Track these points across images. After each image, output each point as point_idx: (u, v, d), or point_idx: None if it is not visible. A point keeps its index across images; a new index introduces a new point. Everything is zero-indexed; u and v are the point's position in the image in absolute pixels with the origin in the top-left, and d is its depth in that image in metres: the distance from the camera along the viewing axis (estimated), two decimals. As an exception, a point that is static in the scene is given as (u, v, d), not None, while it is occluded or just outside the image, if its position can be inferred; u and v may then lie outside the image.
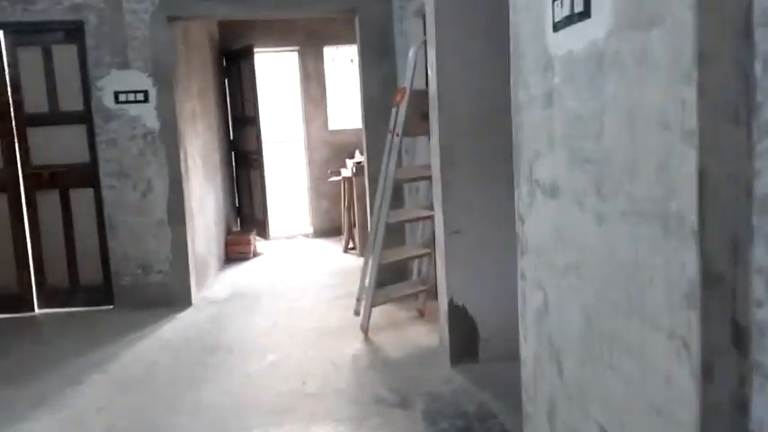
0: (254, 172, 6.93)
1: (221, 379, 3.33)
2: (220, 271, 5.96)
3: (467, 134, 3.23)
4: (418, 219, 3.85)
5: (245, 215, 7.32)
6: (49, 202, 4.66)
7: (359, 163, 6.41)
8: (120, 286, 4.69)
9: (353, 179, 6.31)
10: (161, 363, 3.60)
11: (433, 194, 3.46)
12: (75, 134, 4.61)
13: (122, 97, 4.53)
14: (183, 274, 4.72)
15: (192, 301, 4.74)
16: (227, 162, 7.04)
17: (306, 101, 7.38)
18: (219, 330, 4.12)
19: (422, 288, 4.05)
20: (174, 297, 4.70)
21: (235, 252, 6.47)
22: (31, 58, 4.51)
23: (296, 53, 7.39)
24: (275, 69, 9.05)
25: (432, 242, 3.87)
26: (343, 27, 7.06)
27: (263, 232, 6.89)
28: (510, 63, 2.05)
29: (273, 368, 3.45)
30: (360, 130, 7.42)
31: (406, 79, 3.65)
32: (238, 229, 7.28)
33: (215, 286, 5.36)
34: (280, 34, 7.19)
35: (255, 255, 6.62)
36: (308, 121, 7.41)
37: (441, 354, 3.46)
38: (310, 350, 3.68)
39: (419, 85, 3.89)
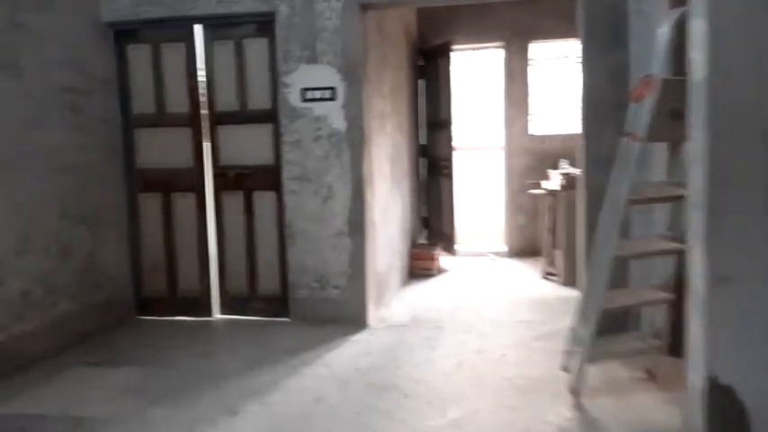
0: (444, 180, 6.32)
1: (391, 435, 2.70)
2: (401, 287, 5.42)
3: (751, 141, 2.22)
4: (659, 253, 2.88)
5: (432, 227, 6.74)
6: (234, 204, 4.45)
7: (566, 174, 5.48)
8: (296, 299, 4.33)
9: (559, 193, 5.39)
10: (325, 400, 3.07)
11: (686, 223, 2.50)
12: (261, 134, 4.35)
13: (309, 95, 4.16)
14: (360, 291, 4.22)
15: (369, 323, 4.23)
16: (416, 168, 6.52)
17: (507, 103, 6.60)
18: (395, 365, 3.51)
19: (655, 344, 3.06)
20: (350, 316, 4.23)
21: (418, 267, 5.90)
22: (224, 53, 4.33)
23: (501, 50, 6.64)
24: (474, 68, 8.33)
25: (674, 286, 2.88)
26: (555, 20, 6.18)
27: (450, 247, 6.25)
28: None
29: (454, 430, 2.73)
30: (566, 136, 6.48)
31: (655, 65, 2.71)
32: (424, 241, 6.72)
33: (394, 305, 4.81)
34: (482, 29, 6.51)
35: (440, 272, 6.00)
36: (508, 125, 6.62)
37: (687, 445, 2.48)
38: (502, 410, 2.90)
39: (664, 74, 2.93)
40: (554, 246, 5.69)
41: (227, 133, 4.39)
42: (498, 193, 7.08)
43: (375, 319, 4.35)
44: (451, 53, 6.02)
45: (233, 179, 4.41)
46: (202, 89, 4.39)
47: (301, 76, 4.15)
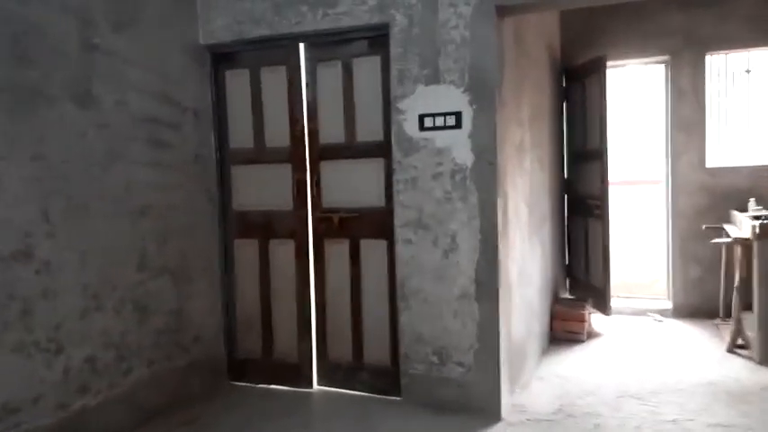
0: (594, 223, 5.21)
1: None
2: (541, 358, 4.38)
3: None
4: None
5: (577, 279, 5.62)
6: (337, 254, 3.73)
7: (763, 218, 4.21)
8: (410, 375, 3.47)
9: (754, 243, 4.12)
10: None
11: None
12: (370, 171, 3.60)
13: (428, 122, 3.35)
14: (490, 372, 3.28)
15: (501, 413, 3.26)
16: (558, 209, 5.47)
17: (674, 128, 5.38)
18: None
19: None
20: (477, 403, 3.30)
21: (562, 329, 4.83)
22: (329, 75, 3.65)
23: (663, 64, 5.48)
24: (624, 87, 7.09)
25: None
26: (740, 25, 4.97)
27: (602, 304, 5.10)
28: None
29: None
30: (755, 168, 5.14)
31: None
32: (568, 295, 5.62)
33: (533, 386, 3.80)
34: (642, 40, 5.40)
35: (590, 336, 4.88)
36: (674, 155, 5.40)
37: None
38: None
39: None
40: (743, 309, 4.40)
41: (332, 170, 3.70)
42: (661, 239, 5.79)
43: (509, 408, 3.37)
44: (605, 70, 4.96)
45: (337, 224, 3.69)
46: (304, 119, 3.74)
47: (419, 100, 3.36)
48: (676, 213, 5.40)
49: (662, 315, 5.42)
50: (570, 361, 4.29)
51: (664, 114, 5.50)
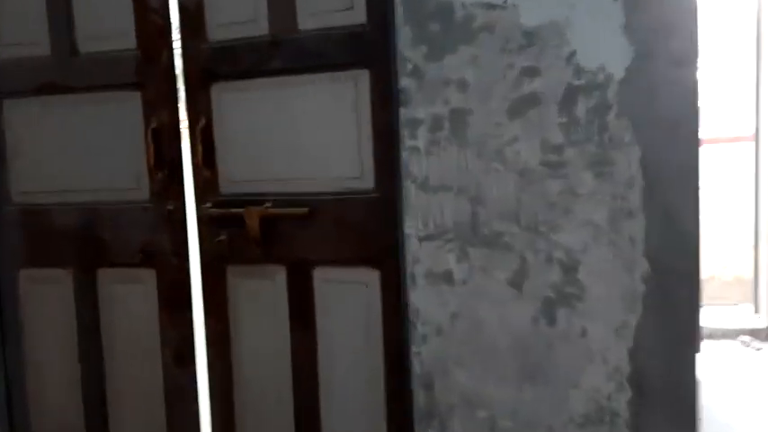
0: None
1: None
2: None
3: None
4: None
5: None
6: (259, 302, 1.59)
7: None
8: None
9: None
10: None
11: None
12: (334, 103, 1.47)
13: (495, -38, 1.26)
14: None
15: None
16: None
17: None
18: None
19: None
20: None
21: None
22: None
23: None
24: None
25: None
26: None
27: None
28: None
29: None
30: None
31: None
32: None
33: None
34: None
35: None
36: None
37: None
38: None
39: None
40: None
41: (240, 105, 1.54)
42: (746, 220, 4.06)
43: None
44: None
45: (257, 231, 1.54)
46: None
47: None
48: (774, 185, 3.65)
49: (753, 336, 3.69)
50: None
51: (755, 45, 3.74)
